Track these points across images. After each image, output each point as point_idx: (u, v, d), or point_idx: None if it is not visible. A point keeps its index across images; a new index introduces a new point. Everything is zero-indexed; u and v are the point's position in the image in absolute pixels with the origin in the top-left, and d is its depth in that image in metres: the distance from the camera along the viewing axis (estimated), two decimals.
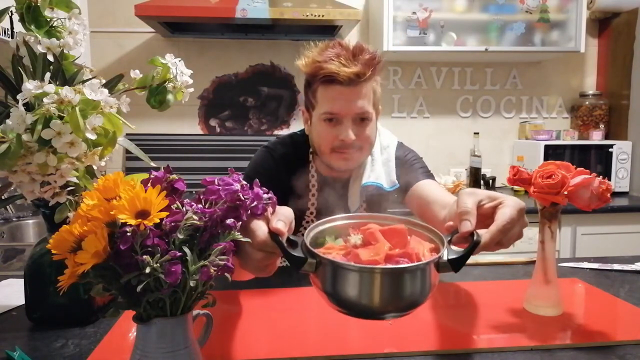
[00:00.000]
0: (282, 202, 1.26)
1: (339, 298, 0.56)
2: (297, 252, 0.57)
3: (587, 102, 2.73)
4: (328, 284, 0.56)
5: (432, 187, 1.13)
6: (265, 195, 0.59)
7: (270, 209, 0.61)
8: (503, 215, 0.66)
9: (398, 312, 0.58)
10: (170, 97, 0.83)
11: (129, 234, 0.48)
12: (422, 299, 0.56)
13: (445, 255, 0.59)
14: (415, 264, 0.56)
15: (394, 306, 0.57)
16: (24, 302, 0.84)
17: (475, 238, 0.62)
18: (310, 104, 1.10)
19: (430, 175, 1.21)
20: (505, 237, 0.67)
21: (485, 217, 0.69)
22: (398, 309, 0.57)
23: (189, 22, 2.38)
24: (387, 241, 0.61)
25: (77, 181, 0.72)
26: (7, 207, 1.91)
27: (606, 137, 2.67)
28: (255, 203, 0.58)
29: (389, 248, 0.59)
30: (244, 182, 0.56)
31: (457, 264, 0.58)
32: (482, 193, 0.71)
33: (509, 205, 0.68)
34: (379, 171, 1.17)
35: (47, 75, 0.69)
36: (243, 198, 0.55)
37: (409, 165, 1.21)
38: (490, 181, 2.46)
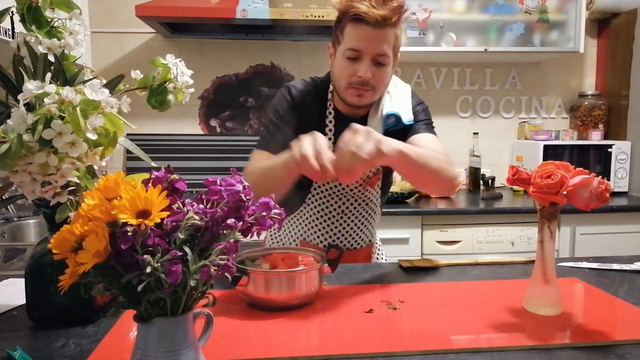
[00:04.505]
0: (299, 135, 1.23)
1: (261, 296, 0.88)
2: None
3: (586, 102, 2.73)
4: (254, 288, 0.88)
5: (424, 141, 1.23)
6: (275, 211, 0.59)
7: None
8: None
9: (299, 302, 0.89)
10: (170, 97, 0.84)
11: (129, 233, 0.48)
12: (312, 292, 0.91)
13: (325, 265, 0.96)
14: (301, 268, 0.92)
15: (295, 297, 0.89)
16: (24, 302, 0.84)
17: (339, 251, 1.01)
18: (337, 39, 1.18)
19: (429, 129, 1.30)
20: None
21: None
22: (298, 299, 0.89)
23: (189, 23, 2.38)
24: (285, 263, 0.95)
25: (78, 181, 0.72)
26: (8, 207, 1.91)
27: (605, 137, 2.67)
28: (264, 213, 0.58)
29: (288, 266, 0.94)
30: (246, 183, 0.57)
31: (332, 266, 0.99)
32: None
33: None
34: (398, 104, 1.26)
35: (48, 75, 0.69)
36: (245, 199, 0.55)
37: (417, 114, 1.30)
38: (490, 181, 2.46)
